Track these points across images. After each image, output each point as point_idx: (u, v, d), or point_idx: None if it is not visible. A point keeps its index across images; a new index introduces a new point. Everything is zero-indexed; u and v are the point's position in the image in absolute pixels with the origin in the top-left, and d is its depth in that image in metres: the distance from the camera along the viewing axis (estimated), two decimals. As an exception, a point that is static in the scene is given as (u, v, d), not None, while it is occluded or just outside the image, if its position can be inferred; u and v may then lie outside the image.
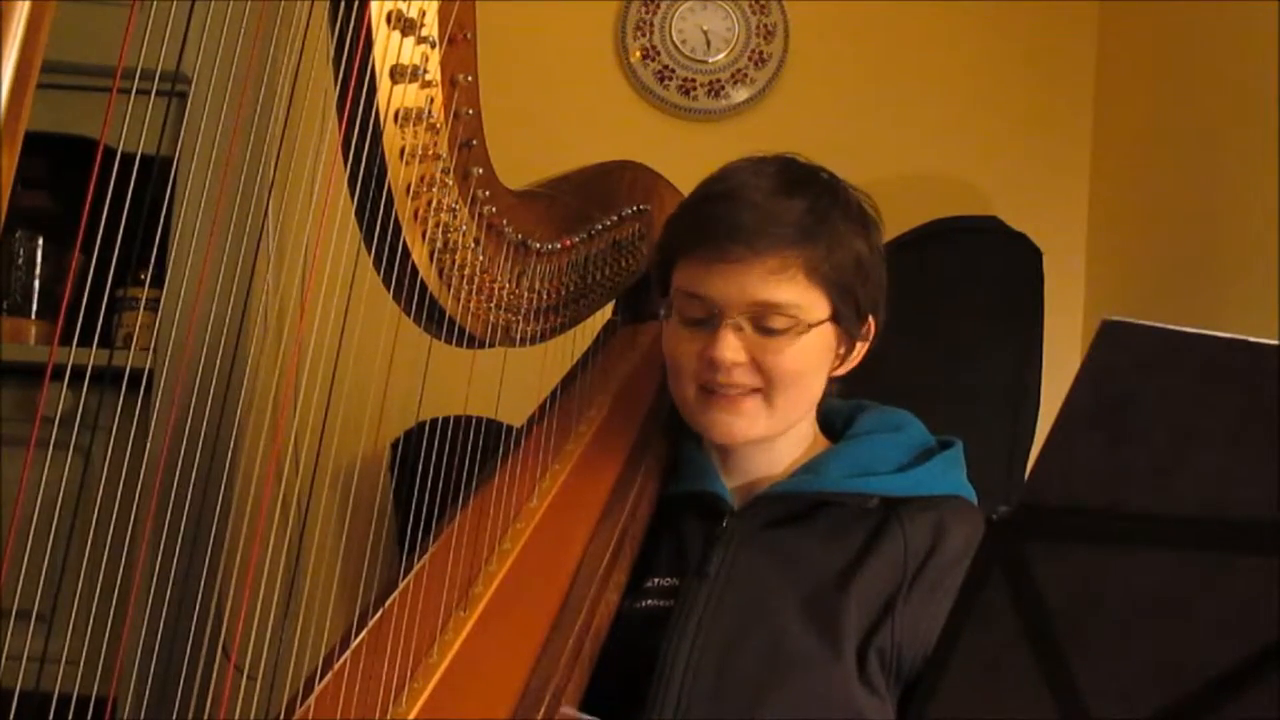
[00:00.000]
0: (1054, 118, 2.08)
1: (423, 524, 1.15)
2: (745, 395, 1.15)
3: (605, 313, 1.46)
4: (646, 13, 2.10)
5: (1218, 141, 1.63)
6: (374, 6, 0.91)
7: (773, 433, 1.18)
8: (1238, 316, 1.50)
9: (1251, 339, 0.53)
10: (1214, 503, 0.56)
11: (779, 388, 1.14)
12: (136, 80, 0.76)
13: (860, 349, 1.21)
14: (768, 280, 1.11)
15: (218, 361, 0.95)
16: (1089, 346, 0.53)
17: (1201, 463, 0.56)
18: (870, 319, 1.20)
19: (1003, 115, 2.09)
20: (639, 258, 1.40)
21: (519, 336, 1.22)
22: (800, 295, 1.13)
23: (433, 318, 1.11)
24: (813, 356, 1.15)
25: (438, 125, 1.00)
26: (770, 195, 1.14)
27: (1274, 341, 0.53)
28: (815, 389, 1.19)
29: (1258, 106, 1.48)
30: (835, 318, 1.15)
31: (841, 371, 1.21)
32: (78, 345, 0.84)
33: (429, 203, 1.03)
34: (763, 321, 1.13)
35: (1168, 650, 0.60)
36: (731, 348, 1.12)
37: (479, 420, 1.24)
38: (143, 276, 1.65)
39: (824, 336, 1.15)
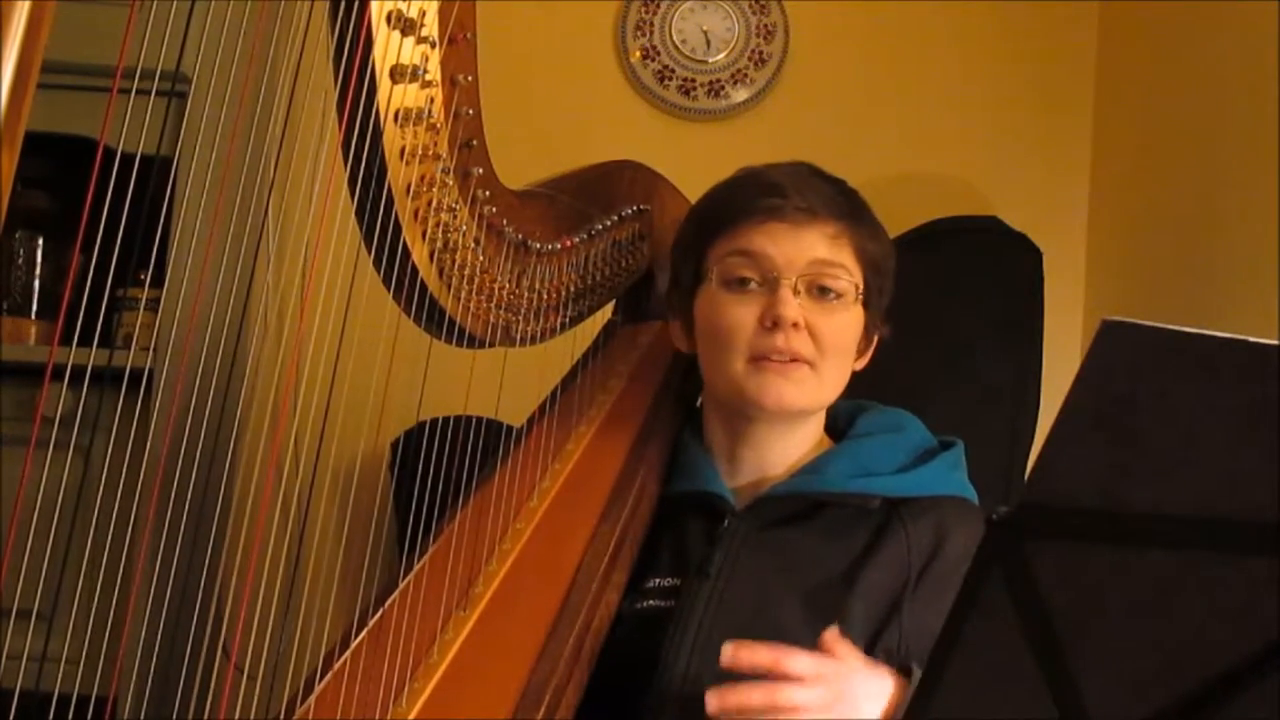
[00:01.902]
0: (1054, 118, 2.08)
1: (423, 524, 1.15)
2: (797, 363, 1.14)
3: (605, 313, 1.46)
4: (646, 13, 2.10)
5: (1218, 141, 1.62)
6: (374, 6, 0.91)
7: (813, 406, 1.19)
8: (1238, 316, 1.50)
9: (1251, 339, 0.53)
10: (1214, 503, 0.56)
11: (829, 357, 1.15)
12: (136, 80, 0.76)
13: (873, 345, 1.23)
14: (826, 243, 1.15)
15: (218, 361, 0.95)
16: (1089, 346, 0.53)
17: (1201, 463, 0.56)
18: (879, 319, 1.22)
19: (1003, 115, 2.08)
20: (639, 258, 1.40)
21: (519, 336, 1.22)
22: (850, 264, 1.16)
23: (433, 317, 1.11)
24: (855, 332, 1.18)
25: (438, 125, 1.00)
26: (809, 177, 1.18)
27: (1274, 341, 0.53)
28: (848, 371, 1.20)
29: (1258, 106, 1.47)
30: (866, 302, 1.17)
31: (858, 365, 1.21)
32: (77, 345, 0.84)
33: (429, 203, 1.03)
34: (820, 281, 1.14)
35: (1167, 650, 0.60)
36: (793, 306, 1.13)
37: (479, 420, 1.24)
38: (142, 276, 1.65)
39: (860, 316, 1.18)
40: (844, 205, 1.17)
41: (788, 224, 1.14)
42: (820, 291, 1.15)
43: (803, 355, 1.14)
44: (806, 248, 1.14)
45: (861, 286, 1.17)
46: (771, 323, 1.13)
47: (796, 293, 1.13)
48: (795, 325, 1.12)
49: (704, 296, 1.19)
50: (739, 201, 1.17)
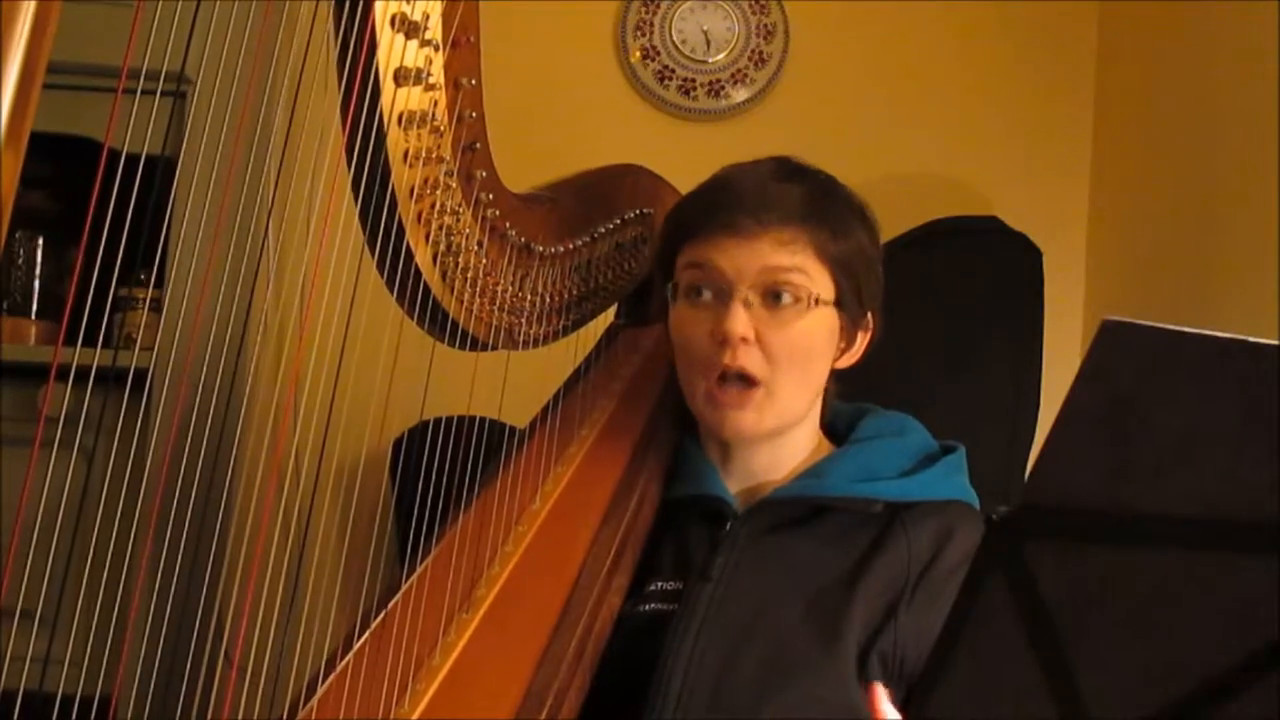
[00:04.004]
0: (1054, 118, 2.08)
1: (425, 525, 1.15)
2: (749, 390, 1.14)
3: (608, 316, 1.46)
4: (646, 13, 2.10)
5: (1218, 141, 1.63)
6: (378, 9, 0.91)
7: (780, 424, 1.18)
8: (1238, 316, 1.50)
9: (1251, 339, 0.53)
10: (1214, 503, 0.56)
11: (782, 370, 1.14)
12: (142, 81, 0.76)
13: (861, 343, 1.22)
14: (778, 250, 1.13)
15: (221, 361, 0.95)
16: (1089, 346, 0.53)
17: (1201, 463, 0.56)
18: (870, 314, 1.21)
19: (1003, 115, 2.09)
20: (641, 261, 1.40)
21: (522, 339, 1.22)
22: (809, 267, 1.14)
23: (435, 320, 1.11)
24: (818, 337, 1.16)
25: (441, 128, 1.00)
26: (771, 179, 1.17)
27: (1274, 341, 0.53)
28: (818, 376, 1.19)
29: (1258, 106, 1.48)
30: (840, 302, 1.16)
31: (843, 364, 1.21)
32: (77, 345, 0.84)
33: (432, 205, 1.03)
34: (772, 288, 1.13)
35: (1168, 650, 0.60)
36: (741, 321, 1.12)
37: (481, 420, 1.24)
38: (144, 277, 1.65)
39: (829, 319, 1.16)
40: (805, 207, 1.15)
41: (740, 237, 1.13)
42: (774, 298, 1.14)
43: (752, 372, 1.13)
44: (757, 257, 1.13)
45: (830, 289, 1.16)
46: (721, 338, 1.13)
47: (749, 305, 1.13)
48: (745, 340, 1.13)
49: (674, 311, 1.20)
50: (698, 213, 1.18)
